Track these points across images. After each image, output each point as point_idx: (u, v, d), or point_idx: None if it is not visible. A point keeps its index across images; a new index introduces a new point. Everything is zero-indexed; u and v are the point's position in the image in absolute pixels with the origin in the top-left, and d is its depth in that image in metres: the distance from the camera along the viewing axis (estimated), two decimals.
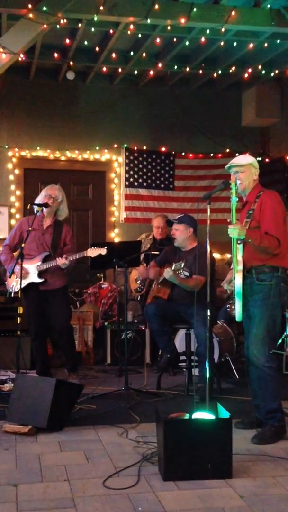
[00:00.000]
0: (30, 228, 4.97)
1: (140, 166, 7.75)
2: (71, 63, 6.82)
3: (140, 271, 6.41)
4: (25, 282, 5.03)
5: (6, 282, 5.25)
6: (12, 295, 5.13)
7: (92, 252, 4.94)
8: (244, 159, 3.94)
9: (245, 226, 3.78)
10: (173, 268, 4.87)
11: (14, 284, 5.06)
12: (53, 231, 5.17)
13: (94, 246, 4.98)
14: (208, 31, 5.84)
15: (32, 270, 5.06)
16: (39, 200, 5.20)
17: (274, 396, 3.76)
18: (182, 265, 4.87)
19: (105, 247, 4.95)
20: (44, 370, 5.20)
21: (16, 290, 5.03)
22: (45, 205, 5.10)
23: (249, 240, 3.69)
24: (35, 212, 5.07)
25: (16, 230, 5.25)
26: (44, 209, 5.14)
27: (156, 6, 5.40)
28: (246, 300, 3.86)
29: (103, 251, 4.93)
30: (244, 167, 3.90)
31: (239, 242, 3.77)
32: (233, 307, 5.90)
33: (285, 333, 5.66)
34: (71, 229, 5.42)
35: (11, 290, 5.11)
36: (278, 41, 6.13)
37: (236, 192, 3.81)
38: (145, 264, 6.26)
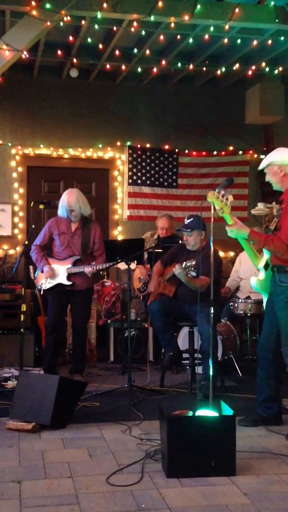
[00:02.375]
0: (55, 232, 5.24)
1: (144, 164, 7.73)
2: (75, 60, 6.80)
3: (142, 271, 6.41)
4: (53, 282, 5.24)
5: (35, 279, 5.46)
6: (41, 292, 5.34)
7: (122, 265, 5.02)
8: (264, 160, 3.91)
9: (273, 225, 3.76)
10: (183, 266, 4.87)
11: (43, 282, 5.26)
12: (81, 232, 5.30)
13: (125, 261, 4.98)
14: (212, 29, 5.82)
15: (62, 272, 5.24)
16: (61, 207, 5.30)
17: None
18: (194, 263, 4.86)
19: (135, 262, 5.00)
20: (51, 367, 5.23)
21: (44, 288, 5.26)
22: (48, 202, 5.24)
23: (251, 241, 3.68)
24: (62, 214, 5.27)
25: (46, 231, 5.40)
26: (71, 217, 5.28)
27: (160, 3, 5.39)
28: (271, 299, 3.87)
29: (132, 265, 4.98)
30: (266, 169, 3.90)
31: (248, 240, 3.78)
32: (236, 305, 5.92)
33: None
34: (98, 226, 5.50)
35: (40, 287, 5.32)
36: (282, 38, 6.10)
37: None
38: (149, 264, 6.25)
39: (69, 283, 5.20)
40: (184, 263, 4.89)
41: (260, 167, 3.95)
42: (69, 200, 5.25)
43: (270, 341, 3.89)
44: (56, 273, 5.22)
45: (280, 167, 3.85)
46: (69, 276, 5.21)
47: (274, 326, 3.87)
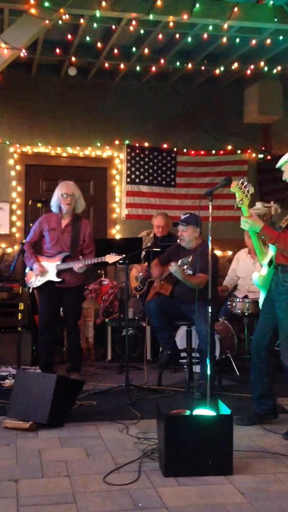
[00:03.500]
0: (45, 229, 5.14)
1: (142, 162, 7.73)
2: (73, 59, 6.79)
3: (138, 269, 6.42)
4: (43, 280, 5.17)
5: (25, 278, 5.36)
6: (31, 290, 5.27)
7: (110, 258, 4.98)
8: (283, 158, 3.88)
9: (284, 223, 3.74)
10: (179, 263, 4.86)
11: (33, 280, 5.19)
12: (72, 229, 5.24)
13: (113, 252, 5.00)
14: (210, 28, 5.82)
15: (51, 269, 5.16)
16: (55, 200, 5.25)
17: None
18: (190, 259, 4.85)
19: (123, 255, 4.97)
20: (47, 366, 5.22)
21: (34, 286, 5.19)
22: (46, 201, 5.18)
23: (263, 236, 3.67)
24: (54, 210, 5.19)
25: (36, 228, 5.33)
26: (63, 208, 5.20)
27: (159, 2, 5.38)
28: (271, 297, 3.86)
29: (110, 259, 4.96)
30: (283, 166, 3.86)
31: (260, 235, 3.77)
32: (233, 304, 5.92)
33: None
34: (89, 223, 5.46)
35: (30, 285, 5.24)
36: (281, 37, 6.10)
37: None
38: (146, 263, 6.25)
39: (58, 279, 5.13)
40: (180, 260, 4.89)
41: (278, 165, 3.91)
42: (66, 186, 5.20)
43: (264, 339, 3.90)
44: (45, 270, 5.15)
45: None
46: (59, 273, 5.13)
47: (269, 324, 3.88)
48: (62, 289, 5.18)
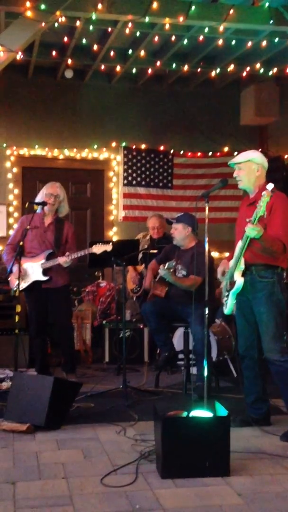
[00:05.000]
0: (28, 227, 4.96)
1: (139, 164, 7.74)
2: (70, 61, 6.80)
3: (132, 276, 6.43)
4: (29, 281, 5.07)
5: (9, 281, 5.23)
6: (17, 293, 5.09)
7: (98, 248, 4.91)
8: (244, 155, 3.88)
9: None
10: (166, 267, 4.88)
11: (18, 282, 5.06)
12: (54, 228, 5.17)
13: (98, 243, 4.95)
14: (206, 30, 5.83)
15: (37, 268, 5.07)
16: (39, 198, 5.20)
17: None
18: (174, 263, 4.87)
19: (110, 243, 4.93)
20: (43, 368, 5.21)
21: (21, 288, 5.02)
22: (44, 203, 5.11)
23: (262, 242, 3.66)
24: (34, 210, 5.08)
25: (18, 229, 5.26)
26: (45, 207, 5.14)
27: (155, 5, 5.39)
28: (244, 298, 3.86)
29: (108, 247, 4.91)
30: (242, 164, 3.86)
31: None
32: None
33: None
34: (72, 226, 5.43)
35: (15, 288, 5.07)
36: (277, 39, 6.13)
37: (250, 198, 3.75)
38: (143, 264, 6.25)
39: (45, 278, 5.03)
40: (167, 263, 4.90)
41: (238, 160, 3.86)
42: (52, 186, 5.15)
43: (251, 340, 3.91)
44: (28, 272, 5.05)
45: (258, 167, 3.85)
46: (45, 272, 5.05)
47: (251, 325, 3.89)
48: (49, 290, 5.11)
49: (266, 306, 3.76)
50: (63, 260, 4.95)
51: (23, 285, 5.05)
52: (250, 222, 3.55)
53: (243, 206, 4.01)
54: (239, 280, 3.76)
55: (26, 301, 5.28)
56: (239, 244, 3.76)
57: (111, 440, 3.68)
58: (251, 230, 3.57)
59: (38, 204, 5.14)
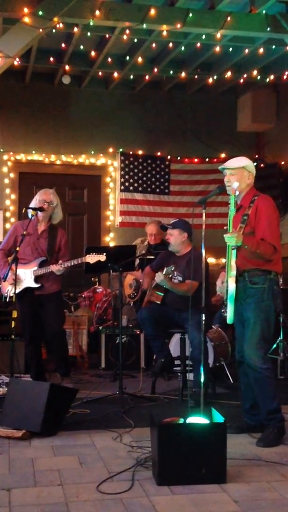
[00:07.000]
0: (24, 232, 4.95)
1: (136, 170, 7.75)
2: (67, 67, 6.82)
3: (137, 275, 6.41)
4: (21, 287, 5.03)
5: (1, 287, 5.20)
6: (7, 299, 5.09)
7: (91, 258, 4.91)
8: (237, 162, 3.90)
9: (239, 231, 3.77)
10: (164, 273, 4.88)
11: (10, 289, 5.03)
12: (48, 235, 5.15)
13: (92, 252, 4.95)
14: (203, 37, 5.86)
15: (29, 275, 5.05)
16: (33, 204, 5.18)
17: (272, 396, 3.76)
18: (173, 269, 4.86)
19: (104, 254, 4.92)
20: (38, 375, 5.19)
21: (11, 294, 4.99)
22: (40, 209, 5.09)
23: (246, 246, 3.67)
24: (30, 216, 5.07)
25: (10, 234, 5.23)
26: (39, 214, 5.12)
27: (152, 11, 5.41)
28: (239, 304, 3.86)
29: (102, 257, 4.90)
30: (235, 170, 3.87)
31: (233, 247, 3.75)
32: (223, 311, 5.91)
33: (279, 338, 5.66)
34: (66, 234, 5.41)
35: (6, 294, 5.08)
36: (274, 46, 6.16)
37: (236, 203, 3.79)
38: (140, 270, 6.25)
39: (37, 285, 5.02)
40: (165, 269, 4.90)
41: (232, 166, 3.88)
42: (46, 193, 5.14)
43: None
44: (20, 278, 5.02)
45: (249, 174, 3.88)
46: (37, 279, 5.03)
47: None
48: (42, 297, 5.09)
49: (254, 312, 3.76)
50: (55, 269, 4.94)
51: (14, 291, 4.99)
52: (227, 231, 3.59)
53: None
54: (231, 286, 3.76)
55: (18, 307, 5.26)
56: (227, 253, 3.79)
57: (107, 446, 3.66)
58: (230, 239, 3.61)
59: (35, 209, 5.12)
